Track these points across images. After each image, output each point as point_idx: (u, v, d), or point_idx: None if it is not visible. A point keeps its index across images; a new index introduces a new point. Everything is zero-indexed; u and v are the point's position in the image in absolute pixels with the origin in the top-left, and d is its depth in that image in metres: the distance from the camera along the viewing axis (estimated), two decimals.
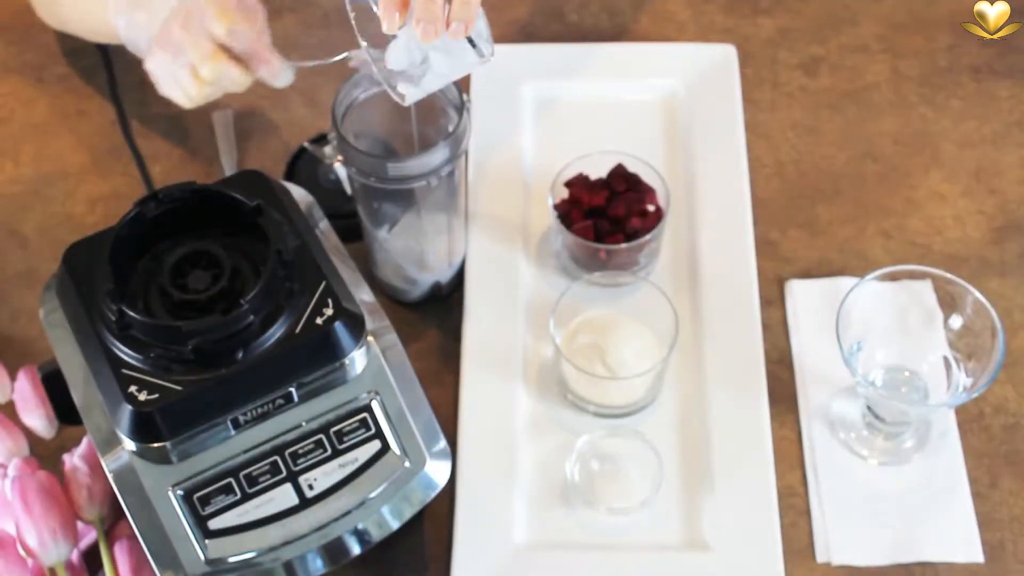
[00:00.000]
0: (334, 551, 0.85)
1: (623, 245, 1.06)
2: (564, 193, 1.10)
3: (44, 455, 0.98)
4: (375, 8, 0.86)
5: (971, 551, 0.98)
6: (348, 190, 1.04)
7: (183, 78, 0.99)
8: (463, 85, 1.03)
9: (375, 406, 0.86)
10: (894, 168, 1.18)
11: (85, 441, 0.94)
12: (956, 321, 1.01)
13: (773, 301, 1.10)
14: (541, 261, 1.12)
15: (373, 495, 0.85)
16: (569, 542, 0.99)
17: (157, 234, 0.87)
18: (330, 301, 0.84)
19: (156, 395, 0.80)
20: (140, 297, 0.85)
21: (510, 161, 1.17)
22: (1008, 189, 1.16)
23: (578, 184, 1.10)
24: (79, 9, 1.12)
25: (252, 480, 0.83)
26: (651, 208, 1.09)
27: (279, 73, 0.99)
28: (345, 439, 0.85)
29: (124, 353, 0.82)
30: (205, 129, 1.20)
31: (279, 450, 0.84)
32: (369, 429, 0.85)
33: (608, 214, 1.08)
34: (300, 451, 0.84)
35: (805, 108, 1.21)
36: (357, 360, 0.85)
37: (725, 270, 1.10)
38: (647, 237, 1.06)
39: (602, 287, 1.06)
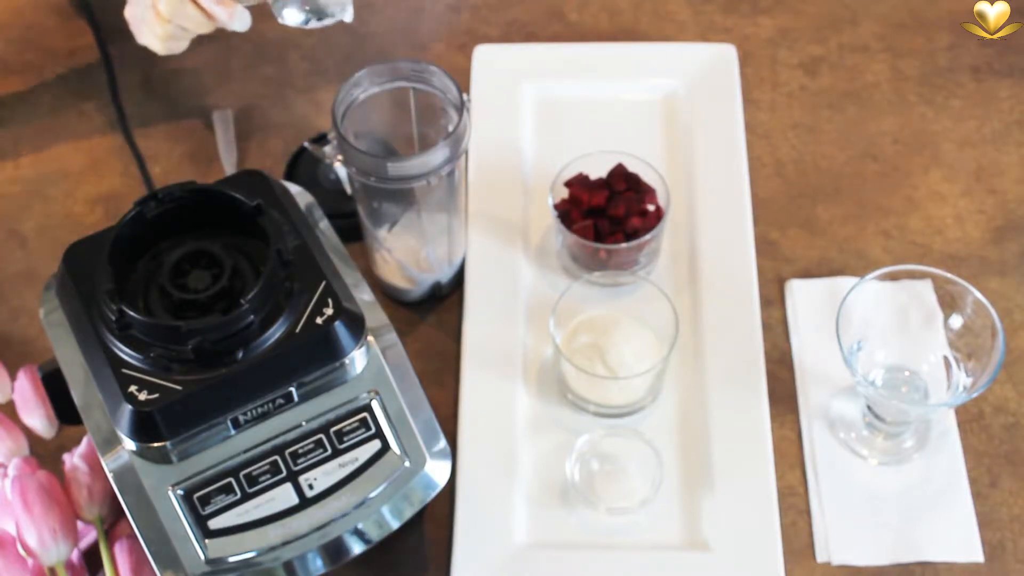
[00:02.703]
0: (334, 551, 0.85)
1: (623, 245, 1.06)
2: (564, 193, 1.10)
3: (44, 455, 0.98)
4: None
5: (971, 551, 0.98)
6: (348, 190, 1.04)
7: (149, 18, 1.00)
8: (463, 85, 1.03)
9: (375, 406, 0.86)
10: (894, 168, 1.18)
11: (85, 441, 0.94)
12: (956, 321, 1.01)
13: (773, 301, 1.10)
14: (541, 261, 1.12)
15: (373, 495, 0.85)
16: (569, 542, 0.99)
17: (157, 234, 0.87)
18: (330, 301, 0.84)
19: (156, 395, 0.80)
20: (140, 297, 0.85)
21: (510, 161, 1.17)
22: (1008, 189, 1.16)
23: (578, 184, 1.10)
24: None
25: (252, 480, 0.83)
26: (651, 208, 1.09)
27: (235, 15, 1.00)
28: (345, 439, 0.85)
29: (124, 353, 0.82)
30: (205, 129, 1.21)
31: (279, 450, 0.84)
32: (369, 429, 0.85)
33: (608, 214, 1.08)
34: (300, 451, 0.84)
35: (805, 108, 1.21)
36: (357, 360, 0.85)
37: (725, 270, 1.10)
38: (647, 237, 1.06)
39: (602, 287, 1.06)
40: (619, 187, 1.09)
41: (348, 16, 1.01)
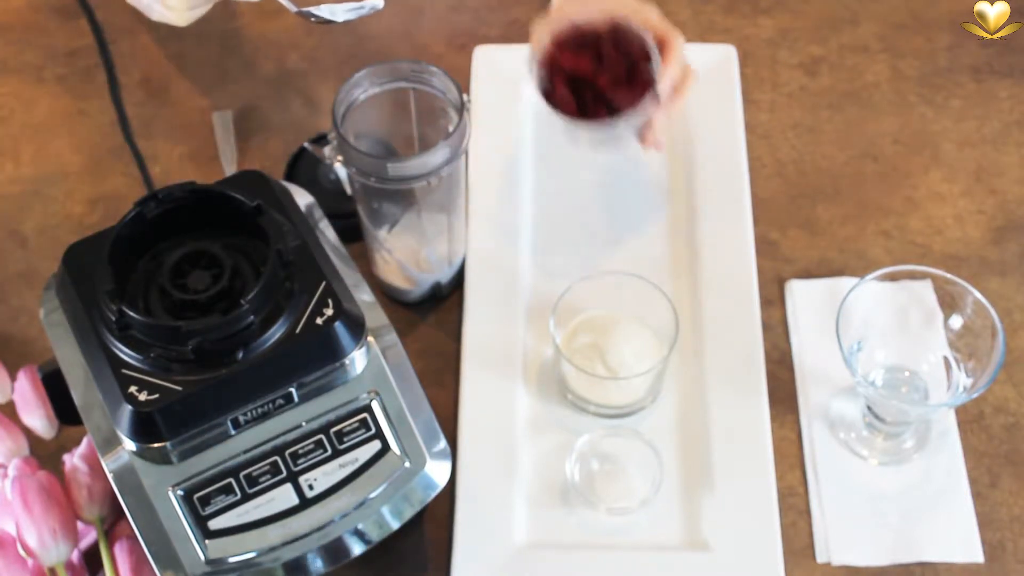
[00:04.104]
0: (334, 551, 0.85)
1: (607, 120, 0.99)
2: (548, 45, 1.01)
3: (44, 455, 0.98)
4: None
5: (971, 551, 0.98)
6: (348, 190, 1.04)
7: (153, 3, 1.00)
8: (463, 85, 1.03)
9: (375, 406, 0.86)
10: (894, 168, 1.18)
11: (85, 441, 0.94)
12: (956, 321, 1.01)
13: (773, 301, 1.10)
14: (541, 261, 1.12)
15: (373, 495, 0.85)
16: (569, 542, 0.99)
17: (157, 234, 0.87)
18: (330, 301, 0.83)
19: (156, 395, 0.80)
20: (140, 297, 0.85)
21: (510, 161, 1.17)
22: (1008, 189, 1.16)
23: (566, 43, 1.00)
24: None
25: (252, 480, 0.83)
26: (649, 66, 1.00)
27: None
28: (345, 439, 0.85)
29: (124, 353, 0.82)
30: (205, 129, 1.21)
31: (279, 450, 0.84)
32: (369, 429, 0.85)
33: (594, 83, 1.00)
34: (300, 451, 0.84)
35: (805, 108, 1.21)
36: (357, 360, 0.85)
37: (725, 270, 1.10)
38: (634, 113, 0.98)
39: (602, 287, 1.06)
40: (607, 51, 1.00)
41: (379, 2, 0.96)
